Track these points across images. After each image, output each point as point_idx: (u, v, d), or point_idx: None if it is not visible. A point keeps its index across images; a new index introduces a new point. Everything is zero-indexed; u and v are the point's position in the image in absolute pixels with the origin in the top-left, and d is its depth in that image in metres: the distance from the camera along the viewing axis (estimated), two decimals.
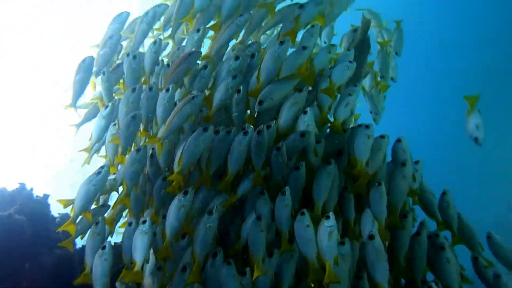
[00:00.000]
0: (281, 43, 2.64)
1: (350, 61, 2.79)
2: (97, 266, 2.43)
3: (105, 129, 2.89)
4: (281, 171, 2.53)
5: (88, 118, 3.20)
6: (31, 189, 3.46)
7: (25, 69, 10.26)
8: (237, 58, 2.76)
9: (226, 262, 2.35)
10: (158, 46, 2.93)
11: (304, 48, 2.70)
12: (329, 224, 2.24)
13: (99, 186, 2.64)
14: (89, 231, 2.65)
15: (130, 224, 2.56)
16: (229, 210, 2.59)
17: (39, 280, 2.97)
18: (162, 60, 3.04)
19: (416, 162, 2.84)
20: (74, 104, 2.99)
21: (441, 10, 15.66)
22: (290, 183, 2.49)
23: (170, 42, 3.17)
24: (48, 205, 3.44)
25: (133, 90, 2.77)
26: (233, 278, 2.31)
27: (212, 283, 2.38)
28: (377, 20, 3.64)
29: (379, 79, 3.50)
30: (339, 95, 2.84)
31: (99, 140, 2.94)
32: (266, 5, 2.88)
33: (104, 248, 2.45)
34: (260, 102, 2.63)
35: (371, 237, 2.30)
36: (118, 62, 3.10)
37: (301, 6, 2.85)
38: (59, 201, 2.70)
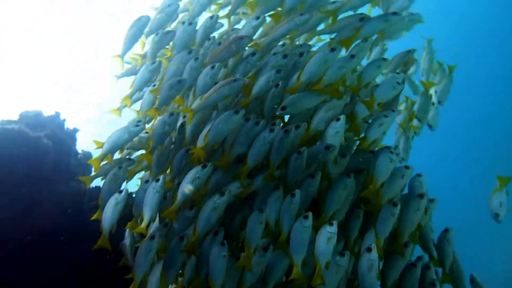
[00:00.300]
0: (332, 49, 2.59)
1: (398, 82, 2.72)
2: (109, 207, 2.54)
3: (147, 82, 2.92)
4: (297, 176, 2.51)
5: (128, 73, 3.27)
6: (64, 120, 3.52)
7: (25, 69, 10.04)
8: (285, 56, 2.71)
9: (221, 243, 2.38)
10: (213, 21, 2.92)
11: (353, 56, 2.64)
12: (331, 230, 2.26)
13: (132, 136, 2.72)
14: (110, 173, 2.72)
15: (146, 181, 2.62)
16: (240, 199, 2.60)
17: (49, 206, 3.01)
18: (214, 36, 3.01)
19: (431, 201, 2.81)
20: (122, 56, 3.02)
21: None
22: (303, 188, 2.48)
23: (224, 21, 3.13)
24: (75, 139, 3.51)
25: (189, 52, 2.79)
26: (223, 258, 2.35)
27: (205, 259, 2.41)
28: (430, 57, 3.36)
29: (415, 120, 3.27)
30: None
31: (139, 90, 2.96)
32: (328, 13, 2.79)
33: (121, 192, 2.56)
34: (283, 108, 2.60)
35: (369, 249, 2.32)
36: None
37: (362, 18, 2.76)
38: (95, 142, 2.77)
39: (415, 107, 3.24)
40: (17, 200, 2.94)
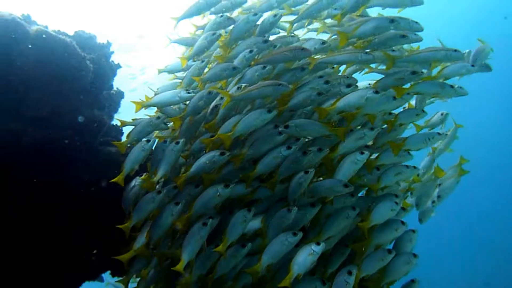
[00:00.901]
0: (376, 92, 2.53)
1: (429, 139, 2.79)
2: (135, 151, 2.59)
3: (204, 50, 2.92)
4: (297, 192, 2.47)
5: (182, 41, 3.30)
6: (112, 53, 3.48)
7: None
8: (327, 82, 2.64)
9: (203, 223, 2.37)
10: (276, 19, 2.88)
11: (394, 99, 2.61)
12: (315, 249, 2.24)
13: (181, 101, 2.72)
14: (148, 119, 2.74)
15: (165, 141, 2.63)
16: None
17: (69, 122, 2.96)
18: (269, 36, 2.96)
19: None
20: (180, 19, 3.09)
21: None
22: (299, 213, 2.45)
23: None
24: (114, 74, 3.49)
25: (265, 41, 2.78)
26: (200, 238, 2.34)
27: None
28: (449, 141, 3.25)
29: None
30: None
31: (196, 55, 2.97)
32: (388, 56, 2.75)
33: (148, 141, 2.60)
34: (286, 126, 2.54)
35: (349, 272, 2.31)
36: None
37: (414, 72, 2.71)
38: (146, 97, 2.81)
39: (416, 186, 3.08)
40: (44, 105, 2.99)
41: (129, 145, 2.74)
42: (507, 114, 16.11)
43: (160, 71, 3.29)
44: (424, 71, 2.90)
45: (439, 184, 3.13)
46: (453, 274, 15.21)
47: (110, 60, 3.49)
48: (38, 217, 2.70)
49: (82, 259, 2.74)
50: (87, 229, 2.81)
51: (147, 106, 2.74)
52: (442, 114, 3.02)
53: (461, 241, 16.18)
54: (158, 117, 2.70)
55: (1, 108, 2.70)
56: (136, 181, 2.62)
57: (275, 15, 2.87)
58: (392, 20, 2.65)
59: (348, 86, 2.70)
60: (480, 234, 15.97)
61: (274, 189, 2.53)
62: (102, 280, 3.45)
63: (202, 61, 2.85)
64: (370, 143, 2.82)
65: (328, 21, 3.06)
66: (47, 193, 2.77)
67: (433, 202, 3.09)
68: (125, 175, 2.54)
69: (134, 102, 2.78)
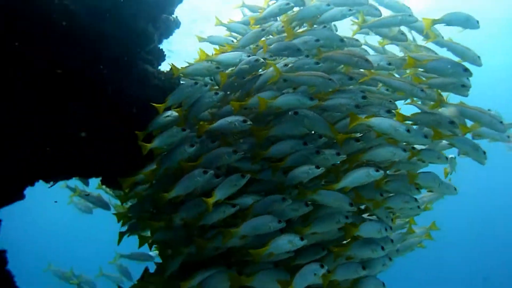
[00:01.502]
0: (408, 130, 2.52)
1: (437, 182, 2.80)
2: (183, 86, 2.70)
3: (274, 16, 2.96)
4: (295, 180, 2.51)
5: (250, 7, 3.37)
6: None
7: None
8: (364, 97, 2.63)
9: (204, 171, 2.42)
10: (350, 13, 2.83)
11: (424, 137, 2.59)
12: (297, 242, 2.34)
13: (241, 62, 2.77)
14: (204, 63, 2.83)
15: (206, 85, 2.70)
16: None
17: (124, 28, 2.89)
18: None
19: None
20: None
21: None
22: (291, 206, 2.51)
23: None
24: (180, 1, 3.28)
25: (341, 40, 2.78)
26: (194, 182, 2.44)
27: None
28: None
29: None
30: None
31: (265, 18, 2.99)
32: (440, 97, 2.73)
33: (196, 83, 2.66)
34: (296, 112, 2.56)
35: (322, 266, 2.37)
36: None
37: (452, 122, 2.68)
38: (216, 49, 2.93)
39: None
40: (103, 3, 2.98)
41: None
42: None
43: (217, 23, 3.30)
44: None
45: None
46: (452, 268, 15.46)
47: None
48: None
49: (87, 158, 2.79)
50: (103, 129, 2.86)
51: (210, 60, 2.78)
52: (447, 158, 2.99)
53: (460, 235, 16.26)
54: (218, 67, 2.74)
55: None
56: (172, 113, 2.66)
57: (350, 9, 2.81)
58: (466, 69, 2.59)
59: (388, 111, 2.67)
60: (481, 229, 16.09)
61: (276, 171, 2.57)
62: (87, 184, 3.56)
63: (263, 30, 2.84)
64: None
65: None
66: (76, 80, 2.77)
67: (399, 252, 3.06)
68: (166, 106, 2.61)
69: (202, 54, 2.88)
